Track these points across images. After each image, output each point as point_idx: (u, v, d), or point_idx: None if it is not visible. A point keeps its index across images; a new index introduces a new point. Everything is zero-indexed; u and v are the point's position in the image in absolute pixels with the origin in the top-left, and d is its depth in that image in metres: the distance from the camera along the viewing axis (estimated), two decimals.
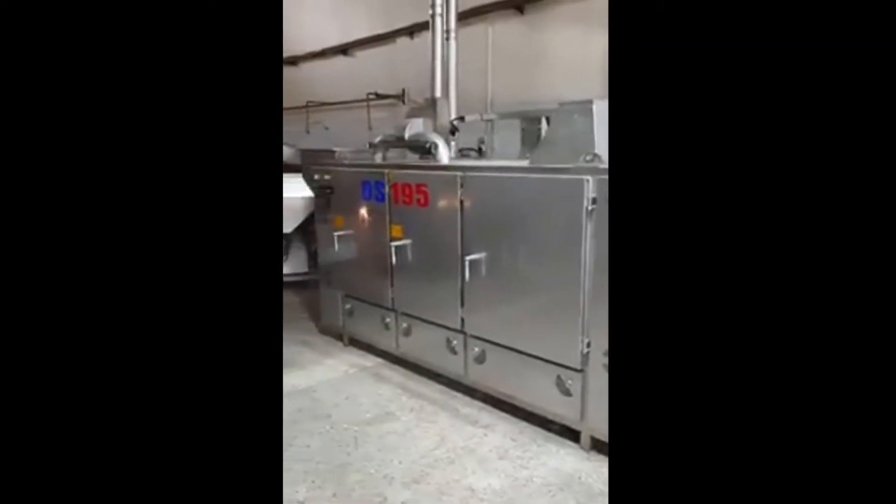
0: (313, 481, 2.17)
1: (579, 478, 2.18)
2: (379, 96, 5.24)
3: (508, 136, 3.78)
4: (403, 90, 5.16)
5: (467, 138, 3.58)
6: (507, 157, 3.48)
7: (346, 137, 5.28)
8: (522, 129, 3.29)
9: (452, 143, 3.33)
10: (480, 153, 3.57)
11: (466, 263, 2.59)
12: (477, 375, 2.75)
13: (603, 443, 2.30)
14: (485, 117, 3.39)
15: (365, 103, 5.39)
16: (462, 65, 3.71)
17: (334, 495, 2.09)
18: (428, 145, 2.87)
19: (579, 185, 2.14)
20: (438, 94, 3.31)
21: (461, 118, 3.34)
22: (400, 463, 2.30)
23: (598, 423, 2.28)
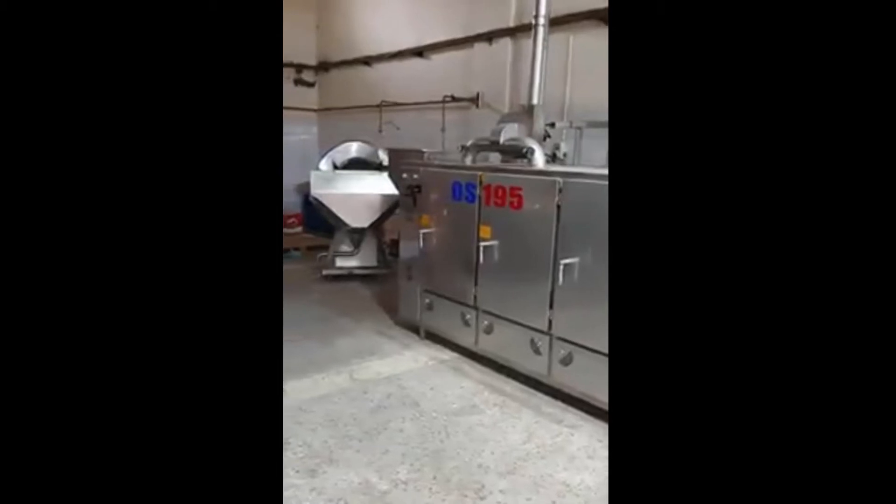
0: (412, 464, 2.29)
1: None
2: (455, 99, 5.36)
3: (590, 144, 3.84)
4: (478, 94, 5.27)
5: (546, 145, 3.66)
6: (592, 164, 3.54)
7: (417, 138, 5.43)
8: None
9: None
10: (555, 159, 3.64)
11: (560, 267, 2.67)
12: (562, 377, 2.83)
13: None
14: (574, 124, 3.46)
15: (439, 105, 5.53)
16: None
17: (434, 478, 2.20)
18: (524, 150, 2.96)
19: None
20: (535, 100, 3.39)
21: (552, 124, 3.42)
22: (492, 454, 2.39)
23: None
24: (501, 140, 3.14)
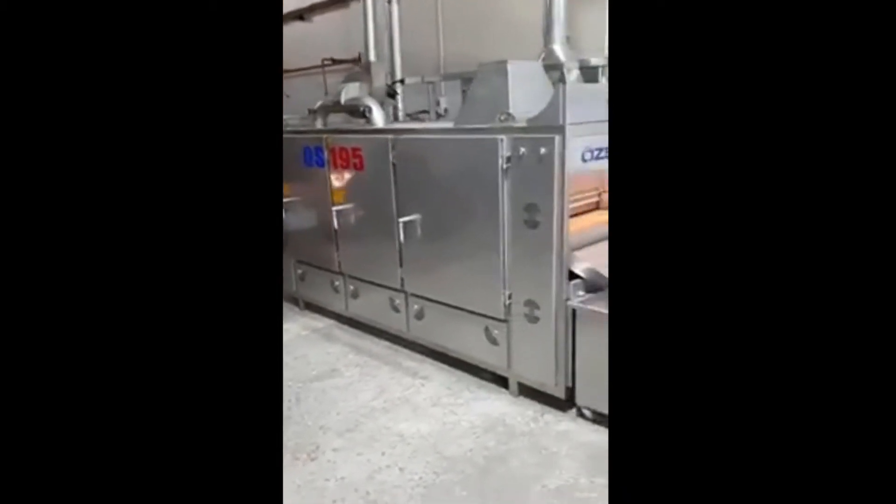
0: None
1: (504, 420, 2.33)
2: (335, 62, 5.19)
3: (456, 98, 3.80)
4: (360, 55, 5.11)
5: (420, 101, 3.61)
6: (452, 118, 3.52)
7: (306, 103, 5.25)
8: (463, 91, 3.32)
9: (399, 107, 3.37)
10: (438, 116, 3.59)
11: (401, 225, 2.67)
12: (417, 331, 2.88)
13: (529, 388, 2.44)
14: (426, 79, 3.41)
15: (321, 69, 5.35)
16: (412, 26, 3.69)
17: None
18: (362, 109, 2.91)
19: (494, 144, 2.21)
20: (373, 57, 3.32)
21: (401, 81, 3.36)
22: (338, 415, 2.43)
23: (522, 369, 2.42)
24: (342, 100, 3.07)
